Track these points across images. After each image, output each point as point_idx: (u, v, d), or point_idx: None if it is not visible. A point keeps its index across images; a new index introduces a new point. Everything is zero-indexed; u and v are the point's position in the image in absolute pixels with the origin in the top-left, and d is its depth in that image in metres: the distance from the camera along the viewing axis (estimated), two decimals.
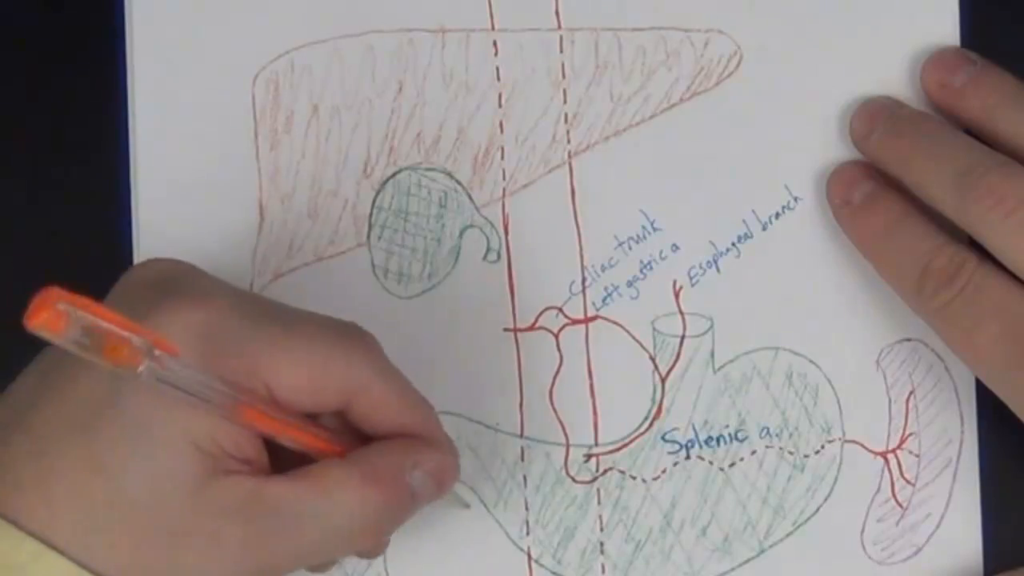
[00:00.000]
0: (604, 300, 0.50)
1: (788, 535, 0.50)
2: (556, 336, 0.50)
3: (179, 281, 0.42)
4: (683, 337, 0.50)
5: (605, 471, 0.50)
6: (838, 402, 0.50)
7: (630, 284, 0.50)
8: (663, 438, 0.50)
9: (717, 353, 0.50)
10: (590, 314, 0.50)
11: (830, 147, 0.50)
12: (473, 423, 0.50)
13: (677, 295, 0.50)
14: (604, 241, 0.50)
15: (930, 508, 0.50)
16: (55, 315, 0.34)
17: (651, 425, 0.50)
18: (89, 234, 0.50)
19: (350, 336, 0.42)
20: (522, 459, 0.50)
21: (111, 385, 0.39)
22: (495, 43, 0.50)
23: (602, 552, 0.50)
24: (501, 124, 0.50)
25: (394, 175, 0.50)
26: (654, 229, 0.50)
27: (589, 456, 0.50)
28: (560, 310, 0.50)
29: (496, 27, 0.50)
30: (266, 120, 0.50)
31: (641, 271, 0.50)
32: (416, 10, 0.50)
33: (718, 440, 0.50)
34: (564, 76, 0.50)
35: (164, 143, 0.50)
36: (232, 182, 0.50)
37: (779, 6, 0.50)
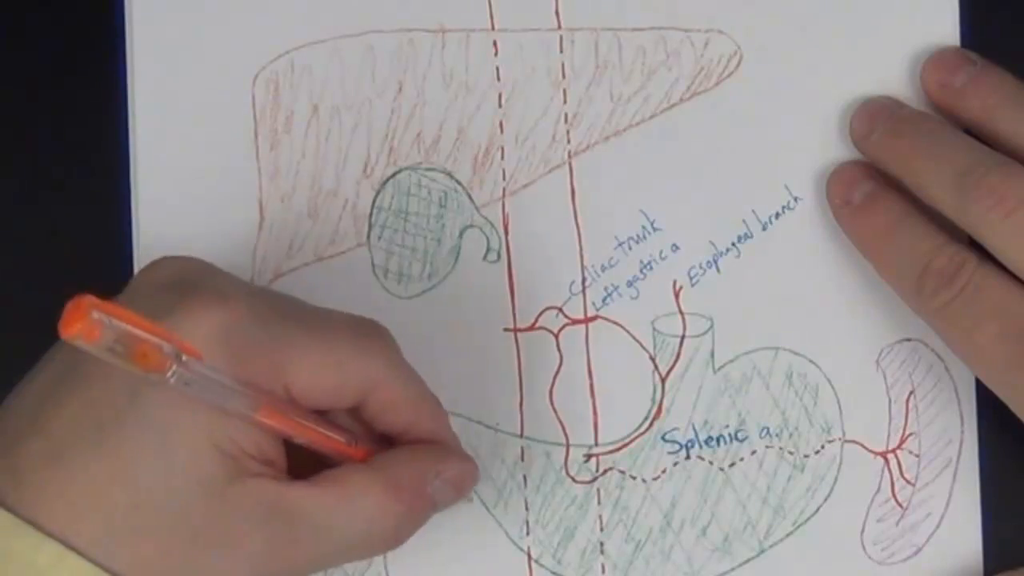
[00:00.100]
0: (604, 300, 0.50)
1: (788, 535, 0.50)
2: (556, 336, 0.50)
3: (195, 281, 0.41)
4: (683, 337, 0.50)
5: (605, 471, 0.50)
6: (838, 402, 0.50)
7: (630, 284, 0.50)
8: (663, 438, 0.50)
9: (717, 353, 0.50)
10: (590, 314, 0.50)
11: (830, 147, 0.50)
12: (473, 423, 0.50)
13: (677, 295, 0.50)
14: (604, 241, 0.50)
15: (930, 508, 0.50)
16: (90, 325, 0.34)
17: (651, 425, 0.50)
18: (89, 234, 0.50)
19: (368, 334, 0.42)
20: (522, 459, 0.50)
21: (129, 387, 0.39)
22: (495, 43, 0.50)
23: (602, 552, 0.50)
24: (501, 124, 0.50)
25: (394, 175, 0.50)
26: (654, 229, 0.50)
27: (589, 456, 0.50)
28: (560, 310, 0.50)
29: (496, 27, 0.50)
30: (266, 120, 0.50)
31: (641, 271, 0.50)
32: (416, 10, 0.50)
33: (718, 440, 0.50)
34: (564, 76, 0.50)
35: (164, 143, 0.50)
36: (232, 182, 0.50)
37: (779, 6, 0.50)
